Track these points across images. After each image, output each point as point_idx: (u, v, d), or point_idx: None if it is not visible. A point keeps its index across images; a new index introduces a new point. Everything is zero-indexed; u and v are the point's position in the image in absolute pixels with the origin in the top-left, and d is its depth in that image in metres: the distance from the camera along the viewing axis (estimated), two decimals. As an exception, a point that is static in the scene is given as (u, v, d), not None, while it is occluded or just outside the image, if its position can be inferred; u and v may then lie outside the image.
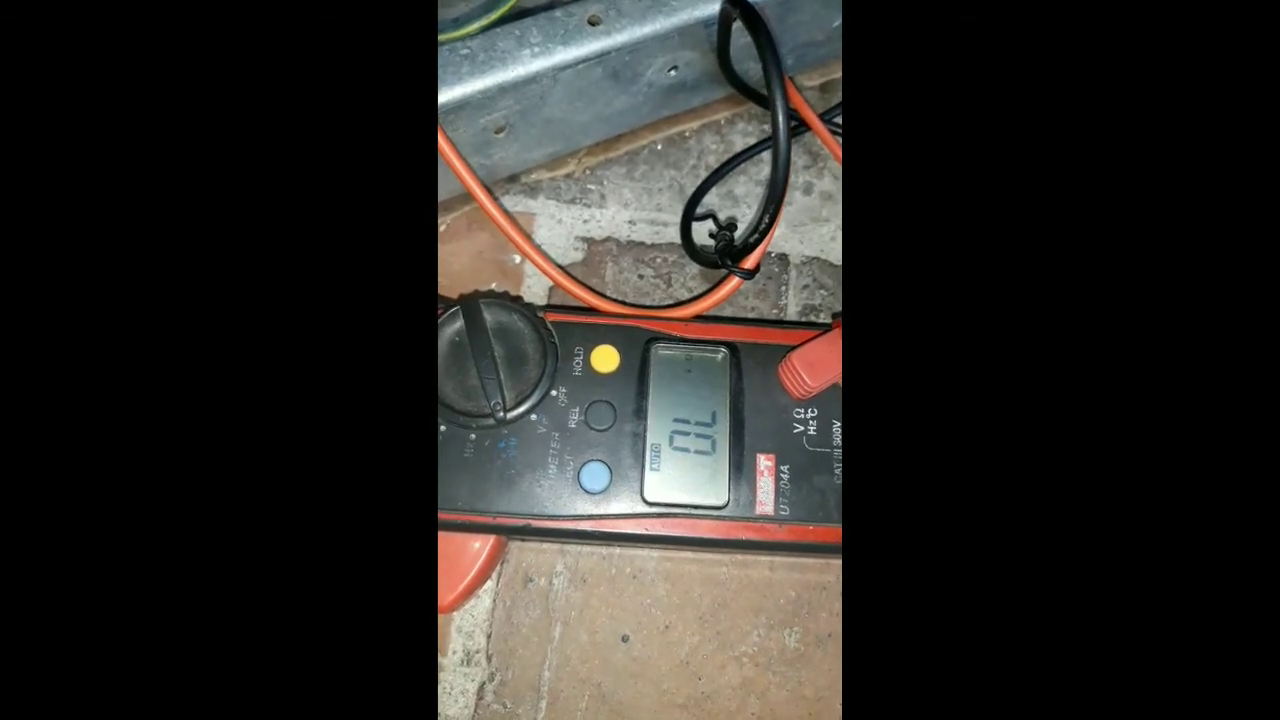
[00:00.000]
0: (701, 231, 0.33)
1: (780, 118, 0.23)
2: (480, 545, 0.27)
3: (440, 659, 0.27)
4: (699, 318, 0.29)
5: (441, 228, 0.33)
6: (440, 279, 0.32)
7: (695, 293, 0.32)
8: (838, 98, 0.35)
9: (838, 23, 0.31)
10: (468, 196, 0.31)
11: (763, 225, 0.25)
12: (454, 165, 0.27)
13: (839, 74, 0.36)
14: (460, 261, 0.32)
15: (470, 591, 0.27)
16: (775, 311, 0.32)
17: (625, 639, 0.28)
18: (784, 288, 0.32)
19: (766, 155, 0.34)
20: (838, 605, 0.28)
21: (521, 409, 0.27)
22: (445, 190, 0.30)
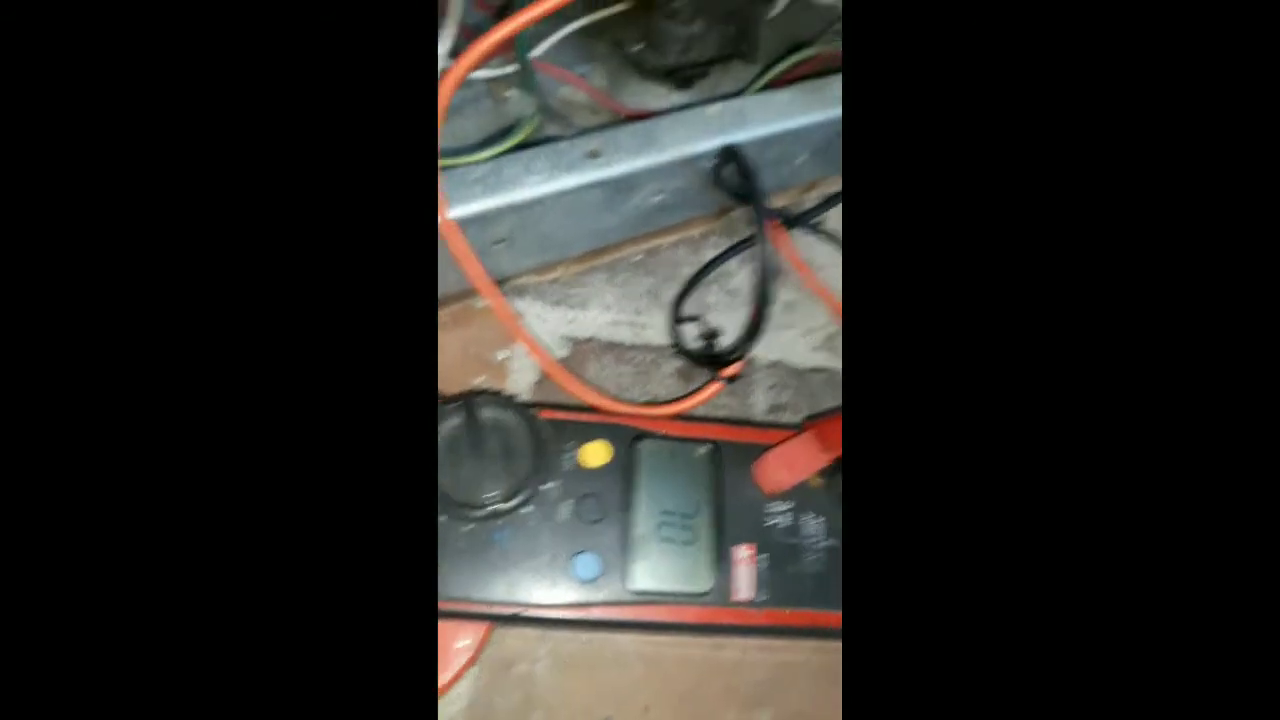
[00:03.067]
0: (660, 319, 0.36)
1: (765, 266, 0.27)
2: (470, 640, 0.28)
3: (430, 749, 0.28)
4: (681, 416, 0.32)
5: (434, 324, 0.35)
6: (433, 374, 0.33)
7: (670, 388, 0.35)
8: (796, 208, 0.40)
9: (801, 159, 0.35)
10: (460, 295, 0.33)
11: (742, 349, 0.29)
12: (471, 269, 0.29)
13: (799, 195, 0.41)
14: (448, 355, 0.34)
15: (454, 683, 0.28)
16: (744, 409, 0.35)
17: (607, 722, 0.29)
18: (751, 387, 0.35)
19: (732, 266, 0.38)
20: (806, 683, 0.30)
21: (515, 501, 0.28)
22: (444, 287, 0.32)
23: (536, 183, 0.29)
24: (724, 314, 0.37)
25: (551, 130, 0.35)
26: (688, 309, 0.36)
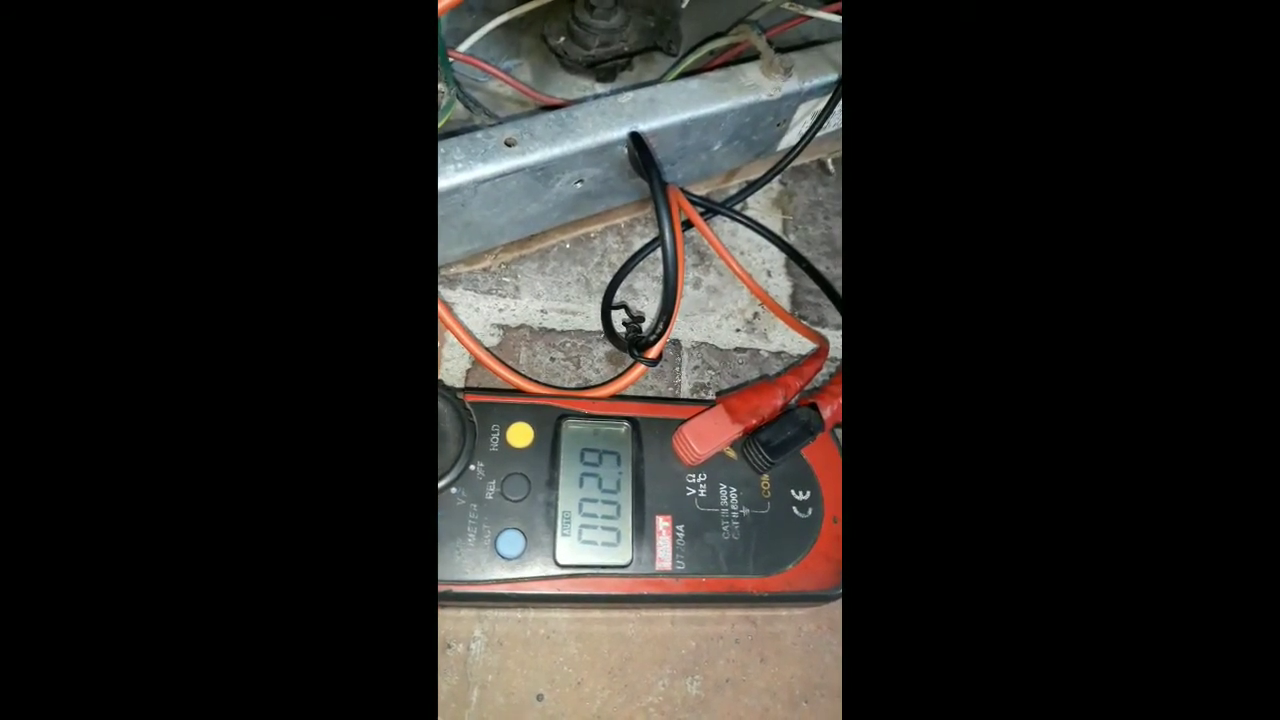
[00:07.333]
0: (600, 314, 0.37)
1: (669, 253, 0.28)
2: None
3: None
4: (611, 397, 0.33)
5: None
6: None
7: (601, 373, 0.36)
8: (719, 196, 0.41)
9: (717, 146, 0.36)
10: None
11: (659, 329, 0.30)
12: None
13: (720, 184, 0.42)
14: (382, 346, 0.35)
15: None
16: (671, 389, 0.36)
17: (540, 698, 0.30)
18: (678, 368, 0.36)
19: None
20: (733, 652, 0.31)
21: (442, 483, 0.29)
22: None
23: (454, 172, 0.30)
24: (653, 300, 0.38)
25: (479, 123, 0.35)
26: (615, 296, 0.37)
